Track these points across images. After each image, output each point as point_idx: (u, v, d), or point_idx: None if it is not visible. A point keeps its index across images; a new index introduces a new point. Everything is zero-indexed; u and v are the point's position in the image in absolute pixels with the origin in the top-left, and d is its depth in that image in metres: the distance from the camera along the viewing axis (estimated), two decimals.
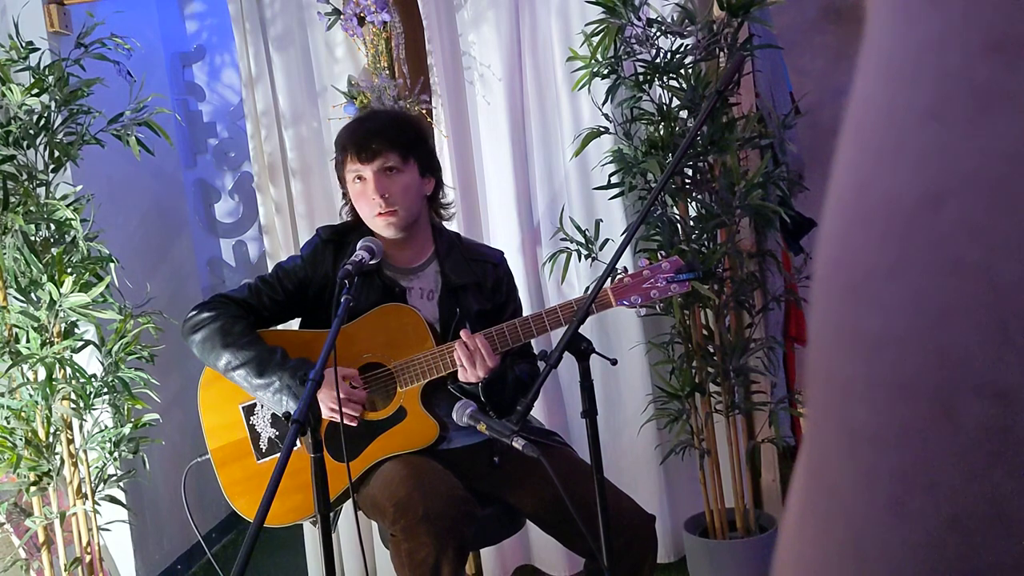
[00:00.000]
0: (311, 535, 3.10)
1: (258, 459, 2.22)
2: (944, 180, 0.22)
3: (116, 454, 2.68)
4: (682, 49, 2.54)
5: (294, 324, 2.37)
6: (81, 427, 2.67)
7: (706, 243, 2.61)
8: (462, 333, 2.10)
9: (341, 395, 2.02)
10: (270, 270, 2.33)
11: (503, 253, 2.39)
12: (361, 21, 2.92)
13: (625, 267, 2.08)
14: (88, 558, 2.69)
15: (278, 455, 2.16)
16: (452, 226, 2.44)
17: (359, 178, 2.17)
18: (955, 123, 0.22)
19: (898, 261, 0.23)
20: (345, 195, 2.28)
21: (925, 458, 0.23)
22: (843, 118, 0.26)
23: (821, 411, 0.25)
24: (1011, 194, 0.21)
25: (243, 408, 2.23)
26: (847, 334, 0.24)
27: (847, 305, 0.24)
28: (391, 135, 2.17)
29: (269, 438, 2.23)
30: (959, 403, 0.22)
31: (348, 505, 2.29)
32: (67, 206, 2.55)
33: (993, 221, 0.21)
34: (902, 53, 0.23)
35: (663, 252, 2.35)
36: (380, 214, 2.16)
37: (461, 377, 2.10)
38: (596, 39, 2.53)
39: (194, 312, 2.20)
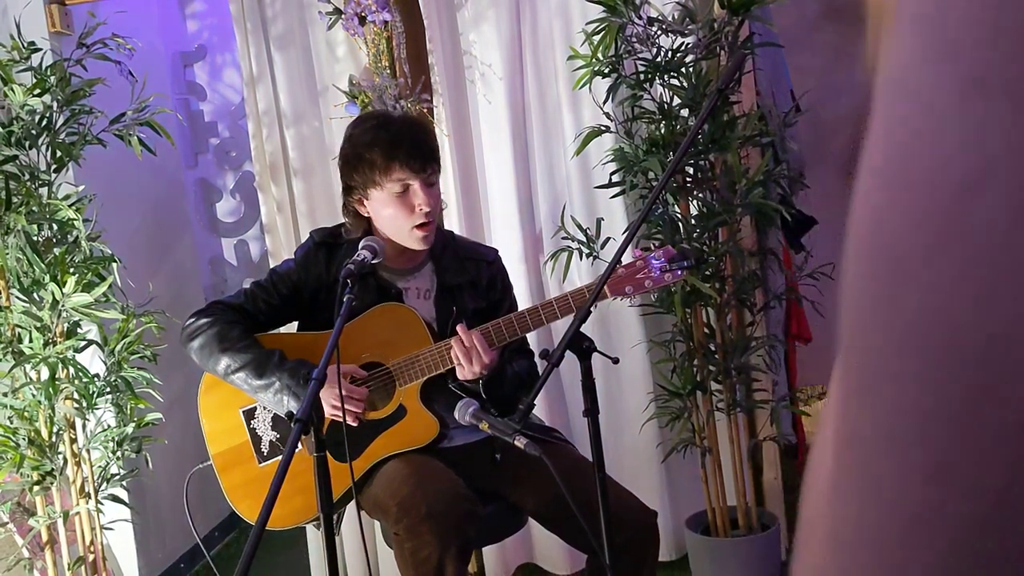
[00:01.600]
0: (314, 534, 3.11)
1: (260, 463, 2.23)
2: (989, 162, 0.21)
3: (119, 453, 2.68)
4: (683, 48, 2.54)
5: (291, 328, 2.37)
6: (84, 426, 2.68)
7: (707, 241, 2.61)
8: (458, 329, 2.09)
9: (343, 393, 2.02)
10: (267, 272, 2.33)
11: (497, 251, 2.39)
12: (362, 20, 2.92)
13: (620, 260, 2.08)
14: (91, 557, 2.70)
15: (279, 458, 2.16)
16: (452, 226, 2.44)
17: (405, 187, 2.12)
18: (997, 99, 0.21)
19: (939, 242, 0.22)
20: (350, 199, 2.22)
21: (962, 440, 0.23)
22: (874, 99, 0.25)
23: (856, 385, 0.25)
24: None
25: (243, 412, 2.24)
26: (891, 310, 0.24)
27: (894, 280, 0.24)
28: (433, 146, 2.17)
29: (270, 441, 2.23)
30: (1006, 386, 0.22)
31: (350, 506, 2.30)
32: (69, 206, 2.55)
33: None
34: (941, 25, 0.23)
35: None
36: (420, 226, 2.14)
37: (459, 375, 2.10)
38: (597, 38, 2.53)
39: (191, 319, 2.20)
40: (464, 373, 2.09)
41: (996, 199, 0.21)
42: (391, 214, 2.14)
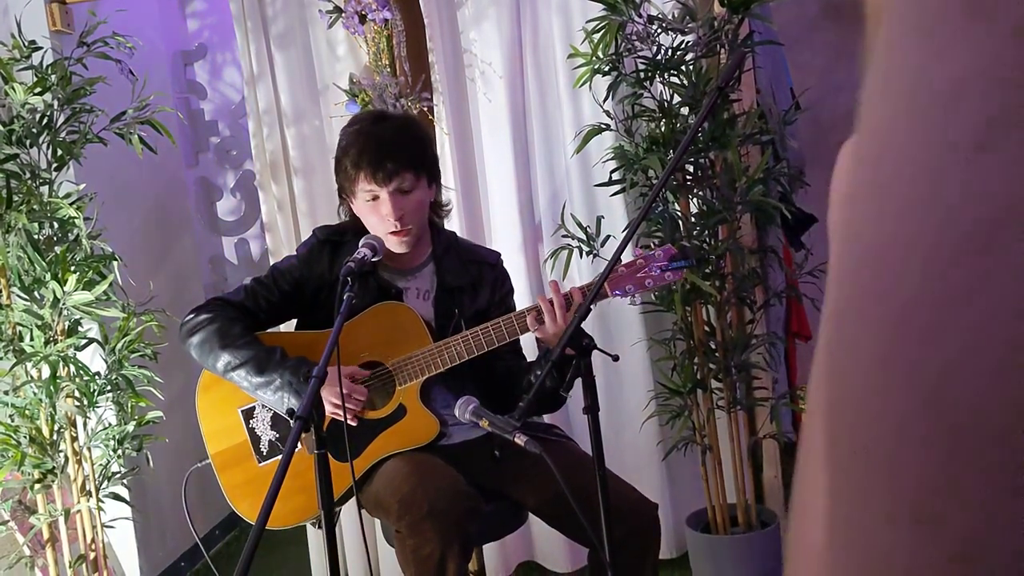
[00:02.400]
0: (314, 533, 3.11)
1: (259, 462, 2.23)
2: (996, 215, 0.20)
3: (120, 451, 2.69)
4: (683, 46, 2.55)
5: (290, 327, 2.37)
6: (85, 424, 2.68)
7: (707, 239, 2.62)
8: (550, 283, 2.09)
9: (344, 391, 2.02)
10: (268, 269, 2.33)
11: (500, 254, 2.38)
12: (362, 19, 2.92)
13: (620, 258, 2.08)
14: (92, 555, 2.70)
15: (279, 457, 2.17)
16: (452, 225, 2.44)
17: (373, 197, 2.13)
18: (1008, 155, 0.20)
19: (967, 287, 0.20)
20: (342, 199, 2.25)
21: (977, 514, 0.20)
22: (851, 151, 0.24)
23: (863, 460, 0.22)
24: None
25: (242, 412, 2.23)
26: (902, 369, 0.21)
27: (902, 336, 0.21)
28: (406, 153, 2.12)
29: (269, 440, 2.23)
30: None
31: (350, 505, 2.30)
32: (70, 204, 2.55)
33: None
34: (935, 83, 0.21)
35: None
36: (394, 233, 2.14)
37: (540, 335, 2.08)
38: (597, 36, 2.53)
39: (191, 315, 2.20)
40: (547, 332, 2.05)
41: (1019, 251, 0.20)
42: (367, 220, 2.17)
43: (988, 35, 0.20)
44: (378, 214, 2.13)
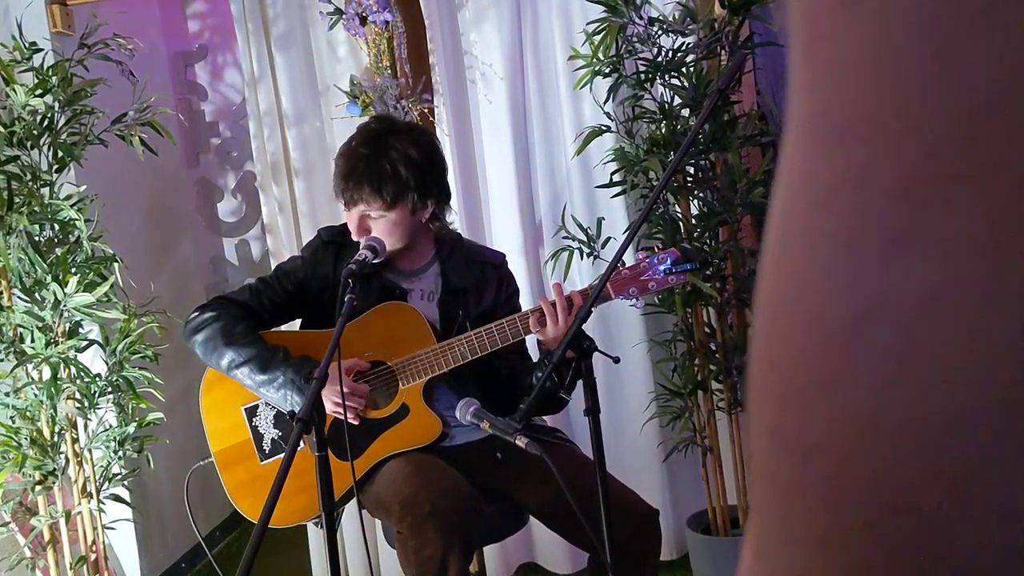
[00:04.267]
0: (315, 533, 3.11)
1: (261, 460, 2.23)
2: (869, 307, 0.23)
3: (120, 453, 2.69)
4: (683, 47, 2.55)
5: (295, 326, 2.38)
6: (86, 426, 2.68)
7: (708, 241, 2.62)
8: (553, 286, 2.10)
9: (344, 389, 2.02)
10: (271, 270, 2.34)
11: (504, 255, 2.39)
12: (363, 21, 2.93)
13: (623, 260, 2.08)
14: (93, 556, 2.71)
15: (281, 456, 2.17)
16: (454, 226, 2.44)
17: (348, 210, 2.18)
18: (870, 258, 0.23)
19: (832, 376, 0.24)
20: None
21: (852, 567, 0.24)
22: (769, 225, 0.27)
23: (761, 502, 0.27)
24: (926, 329, 0.22)
25: (245, 410, 2.24)
26: (784, 440, 0.25)
27: (784, 411, 0.25)
28: (373, 185, 2.10)
29: (272, 439, 2.23)
30: (884, 519, 0.23)
31: (351, 505, 2.30)
32: (71, 206, 2.56)
33: (917, 353, 0.23)
34: (821, 181, 0.24)
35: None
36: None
37: (542, 337, 2.09)
38: (598, 38, 2.53)
39: (195, 313, 2.20)
40: (547, 334, 2.06)
41: (880, 342, 0.23)
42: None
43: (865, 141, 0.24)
44: (350, 222, 2.19)
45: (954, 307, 0.22)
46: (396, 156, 2.12)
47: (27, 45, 2.61)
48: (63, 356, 2.52)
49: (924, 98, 0.22)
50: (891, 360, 0.23)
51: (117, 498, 2.74)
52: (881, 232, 0.23)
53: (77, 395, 2.60)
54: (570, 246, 2.62)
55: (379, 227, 2.14)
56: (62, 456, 2.63)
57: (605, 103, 2.64)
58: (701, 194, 2.63)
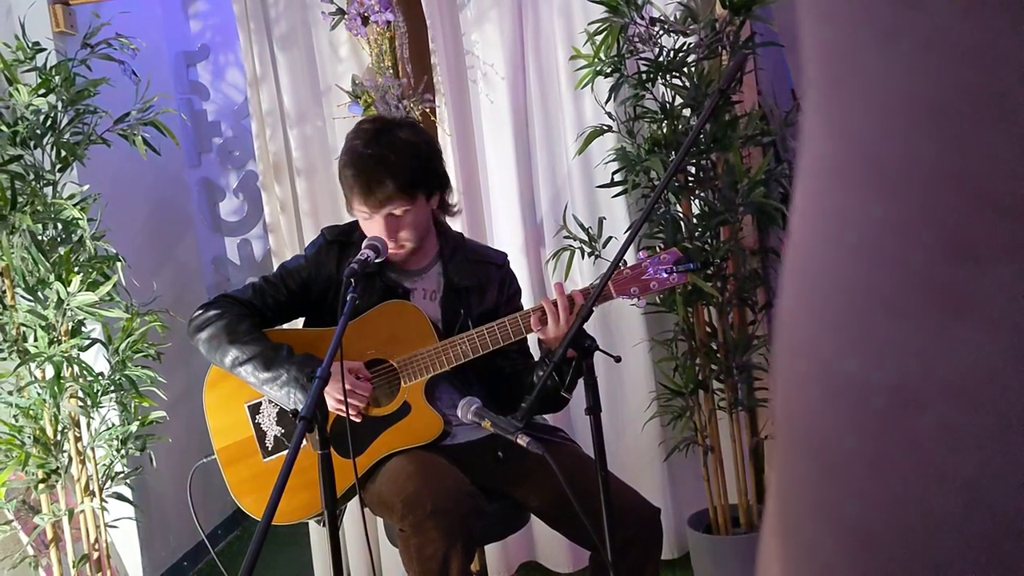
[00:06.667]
0: (317, 531, 3.12)
1: (264, 457, 2.24)
2: (919, 383, 0.21)
3: (123, 451, 2.70)
4: (684, 47, 2.55)
5: (298, 324, 2.38)
6: (89, 425, 2.69)
7: (709, 240, 2.62)
8: (554, 285, 2.10)
9: (346, 387, 2.03)
10: (274, 270, 2.34)
11: (507, 255, 2.39)
12: (365, 21, 2.93)
13: (624, 260, 2.09)
14: (96, 555, 2.71)
15: (284, 453, 2.18)
16: (456, 225, 2.45)
17: (369, 216, 2.15)
18: (923, 325, 0.20)
19: (878, 456, 0.22)
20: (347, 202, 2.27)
21: None
22: (784, 278, 0.25)
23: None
24: (993, 409, 0.20)
25: (248, 407, 2.25)
26: (826, 513, 0.23)
27: (825, 484, 0.23)
28: (396, 180, 2.10)
29: (275, 436, 2.24)
30: None
31: (353, 503, 2.31)
32: (74, 205, 2.56)
33: (978, 437, 0.20)
34: (859, 231, 0.22)
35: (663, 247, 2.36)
36: (390, 248, 2.16)
37: (543, 336, 2.09)
38: (599, 38, 2.54)
39: (199, 311, 2.22)
40: (548, 333, 2.06)
41: (933, 426, 0.21)
42: (366, 229, 2.19)
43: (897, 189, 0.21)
44: (372, 232, 2.17)
45: (1015, 379, 0.19)
46: (403, 147, 2.14)
47: (30, 45, 2.61)
48: (66, 355, 2.53)
49: (985, 147, 0.20)
50: (950, 445, 0.20)
51: (120, 496, 2.75)
52: (935, 295, 0.20)
53: (80, 394, 2.61)
54: (571, 246, 2.62)
55: (404, 224, 2.15)
56: (65, 455, 2.64)
57: (606, 103, 2.64)
58: (702, 194, 2.63)
